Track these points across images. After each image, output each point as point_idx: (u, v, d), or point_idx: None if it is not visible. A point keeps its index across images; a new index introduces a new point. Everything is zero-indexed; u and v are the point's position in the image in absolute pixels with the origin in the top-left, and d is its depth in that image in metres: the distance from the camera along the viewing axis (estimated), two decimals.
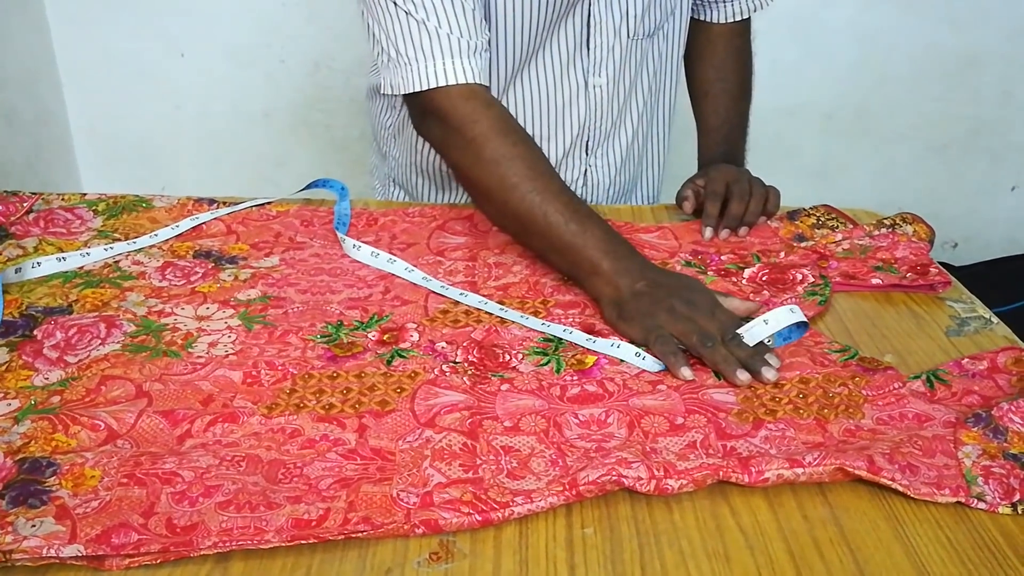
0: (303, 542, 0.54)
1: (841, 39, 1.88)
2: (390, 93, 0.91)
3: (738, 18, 1.13)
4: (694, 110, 1.17)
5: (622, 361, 0.74)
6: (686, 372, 0.71)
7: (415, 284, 0.85)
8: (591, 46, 1.00)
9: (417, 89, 0.88)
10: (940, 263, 0.92)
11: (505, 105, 1.01)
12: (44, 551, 0.52)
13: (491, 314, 0.80)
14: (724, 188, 0.99)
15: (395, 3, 0.87)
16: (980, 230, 2.06)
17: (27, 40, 1.74)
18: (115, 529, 0.53)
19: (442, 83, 0.87)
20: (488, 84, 0.90)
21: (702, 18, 1.14)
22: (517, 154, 0.86)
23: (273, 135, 1.91)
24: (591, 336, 0.77)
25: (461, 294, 0.83)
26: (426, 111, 0.91)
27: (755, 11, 1.13)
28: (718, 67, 1.14)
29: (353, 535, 0.54)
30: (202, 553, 0.53)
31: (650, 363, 0.73)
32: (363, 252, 0.89)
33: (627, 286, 0.80)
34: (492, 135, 0.87)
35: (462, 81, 0.88)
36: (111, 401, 0.66)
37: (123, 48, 1.81)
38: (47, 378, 0.69)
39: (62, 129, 1.86)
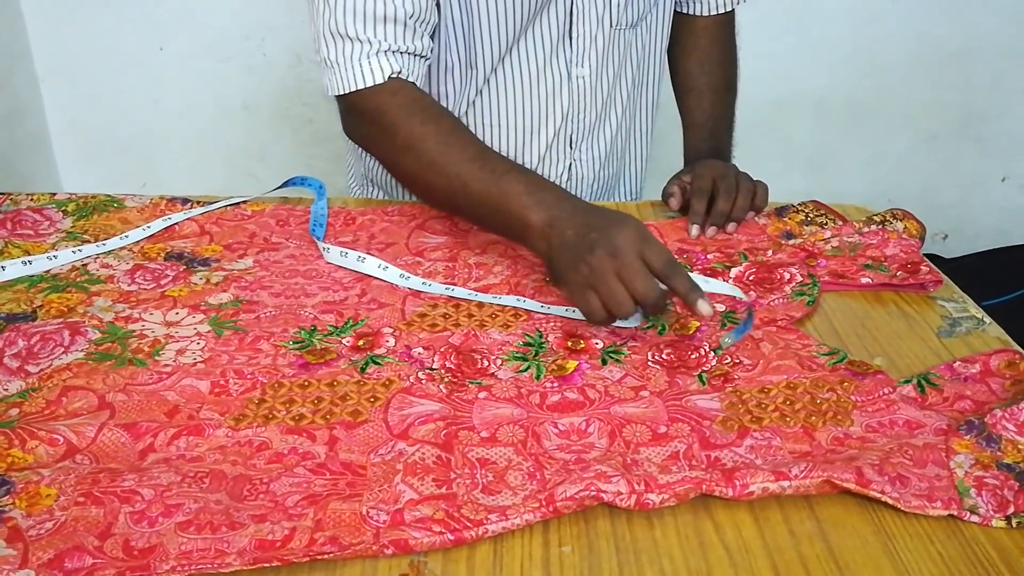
0: (266, 565, 0.51)
1: (833, 28, 1.86)
2: (325, 95, 0.91)
3: (722, 11, 1.11)
4: (679, 105, 1.15)
5: (604, 365, 0.72)
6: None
7: (393, 286, 0.83)
8: (574, 36, 0.98)
9: (339, 92, 0.89)
10: (930, 255, 0.90)
11: (488, 96, 0.99)
12: None
13: (470, 317, 0.78)
14: (711, 184, 0.96)
15: (322, 7, 0.87)
16: (970, 221, 2.04)
17: (2, 35, 1.70)
18: (68, 552, 0.51)
19: (359, 85, 0.87)
20: (405, 75, 0.88)
21: (686, 11, 1.11)
22: (426, 133, 0.85)
23: (254, 129, 1.88)
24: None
25: (447, 288, 0.81)
26: (347, 111, 0.92)
27: (739, 3, 1.11)
28: (702, 61, 1.12)
29: (319, 557, 0.52)
30: None
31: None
32: (332, 253, 0.87)
33: (555, 238, 0.76)
34: (400, 120, 0.86)
35: (378, 80, 0.87)
36: (72, 413, 0.63)
37: (101, 41, 1.77)
38: (6, 389, 0.66)
39: (39, 124, 1.82)
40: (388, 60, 0.87)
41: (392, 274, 0.83)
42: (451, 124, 0.87)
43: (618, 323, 0.75)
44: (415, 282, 0.82)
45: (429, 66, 0.97)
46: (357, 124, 0.92)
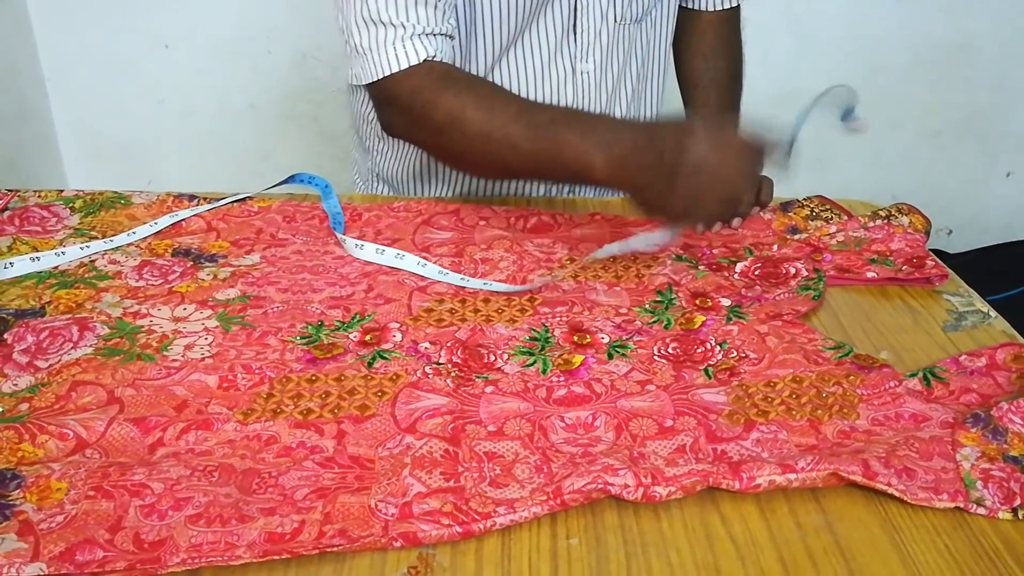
0: (276, 557, 0.52)
1: (834, 27, 1.86)
2: (355, 83, 0.91)
3: (727, 6, 1.11)
4: (684, 101, 1.15)
5: (609, 359, 0.72)
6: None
7: (400, 281, 0.83)
8: (578, 31, 0.98)
9: (372, 79, 0.88)
10: (935, 251, 0.90)
11: None
12: (4, 570, 0.50)
13: (476, 312, 0.78)
14: None
15: None
16: (975, 217, 2.04)
17: (8, 34, 1.70)
18: (80, 546, 0.51)
19: (392, 70, 0.87)
20: (439, 58, 0.88)
21: (691, 6, 1.12)
22: (464, 103, 0.84)
23: (260, 128, 1.88)
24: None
25: (484, 284, 0.82)
26: (381, 101, 0.91)
27: None
28: (708, 56, 1.12)
29: (328, 549, 0.52)
30: (170, 570, 0.51)
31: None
32: (367, 250, 0.87)
33: (629, 176, 0.77)
34: (436, 97, 0.85)
35: (413, 63, 0.86)
36: (81, 408, 0.64)
37: (106, 42, 1.78)
38: (16, 384, 0.66)
39: (45, 125, 1.82)
40: (422, 43, 0.86)
41: (431, 271, 0.84)
42: (488, 88, 0.87)
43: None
44: (453, 278, 0.83)
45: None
46: (395, 115, 0.91)
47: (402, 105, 0.88)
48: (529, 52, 0.98)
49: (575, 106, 1.01)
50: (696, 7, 1.12)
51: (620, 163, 0.77)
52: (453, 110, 0.84)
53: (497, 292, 0.81)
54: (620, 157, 0.77)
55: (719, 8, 1.11)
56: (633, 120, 0.81)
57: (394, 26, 0.86)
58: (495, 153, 0.83)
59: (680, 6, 1.10)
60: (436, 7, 0.87)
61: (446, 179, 1.07)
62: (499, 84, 0.99)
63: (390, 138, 1.07)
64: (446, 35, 0.89)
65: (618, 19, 0.99)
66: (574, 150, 0.79)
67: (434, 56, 0.87)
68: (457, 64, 0.97)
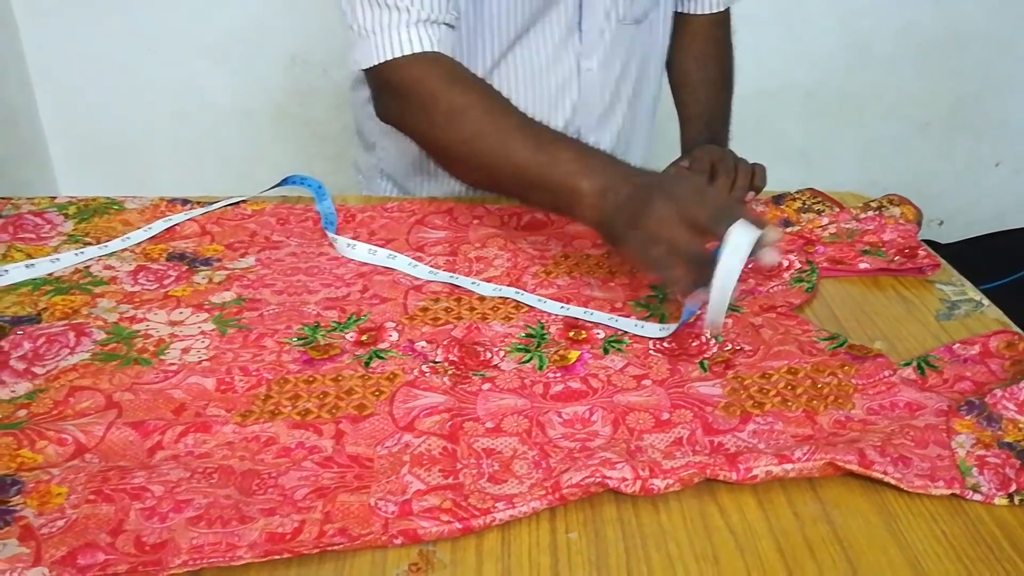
0: (277, 557, 0.52)
1: (822, 18, 1.87)
2: (355, 68, 0.90)
3: (717, 10, 1.12)
4: (675, 100, 1.16)
5: (605, 355, 0.72)
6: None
7: (395, 281, 0.83)
8: (583, 29, 0.99)
9: (374, 62, 0.87)
10: (926, 241, 0.90)
11: (498, 86, 0.99)
12: (7, 575, 0.50)
13: (472, 310, 0.78)
14: (710, 167, 0.97)
15: None
16: (965, 207, 2.05)
17: None
18: (81, 550, 0.51)
19: (395, 54, 0.85)
20: (442, 49, 0.87)
21: (683, 10, 1.13)
22: (468, 102, 0.83)
23: (250, 131, 1.88)
24: (613, 316, 0.77)
25: (473, 283, 0.82)
26: (381, 86, 0.90)
27: (734, 2, 1.12)
28: (698, 57, 1.13)
29: (329, 548, 0.53)
30: (172, 572, 0.51)
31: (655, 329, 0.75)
32: (359, 250, 0.87)
33: (611, 202, 0.74)
34: (441, 90, 0.84)
35: (417, 50, 0.85)
36: (79, 413, 0.64)
37: (94, 44, 1.78)
38: (14, 391, 0.66)
39: (35, 129, 1.82)
40: (427, 31, 0.85)
41: (422, 271, 0.84)
42: (494, 93, 0.85)
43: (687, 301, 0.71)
44: (443, 276, 0.83)
45: None
46: (391, 101, 0.90)
47: (401, 92, 0.87)
48: (535, 47, 0.98)
49: (580, 103, 1.02)
50: (688, 11, 1.13)
51: (607, 190, 0.75)
52: (456, 106, 0.83)
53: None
54: (609, 185, 0.75)
55: (710, 11, 1.12)
56: (629, 163, 0.79)
57: (399, 10, 0.85)
58: (487, 156, 0.82)
59: (674, 11, 1.11)
60: None
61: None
62: (507, 81, 0.99)
63: (394, 133, 1.07)
64: (449, 24, 0.88)
65: (620, 18, 1.00)
66: (566, 168, 0.77)
67: (437, 46, 0.86)
68: (461, 58, 0.97)
